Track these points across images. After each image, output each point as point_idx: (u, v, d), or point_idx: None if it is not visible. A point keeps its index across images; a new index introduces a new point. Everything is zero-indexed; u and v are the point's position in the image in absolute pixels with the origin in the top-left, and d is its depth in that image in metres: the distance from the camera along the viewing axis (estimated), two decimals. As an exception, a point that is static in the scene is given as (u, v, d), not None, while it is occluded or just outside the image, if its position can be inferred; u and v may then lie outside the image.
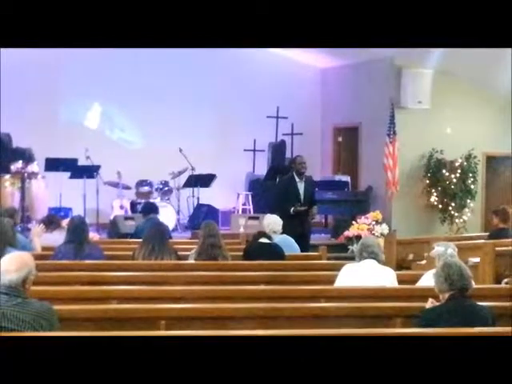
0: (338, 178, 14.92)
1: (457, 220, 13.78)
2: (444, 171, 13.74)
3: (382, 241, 9.74)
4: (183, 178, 13.84)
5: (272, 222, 8.28)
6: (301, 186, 10.20)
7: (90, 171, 12.82)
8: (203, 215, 12.89)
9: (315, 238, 12.97)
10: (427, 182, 13.86)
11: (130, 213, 12.83)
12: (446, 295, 4.76)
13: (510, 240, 8.58)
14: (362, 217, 11.82)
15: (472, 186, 13.88)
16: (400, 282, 6.33)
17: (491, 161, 14.38)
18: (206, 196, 13.83)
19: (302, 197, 10.14)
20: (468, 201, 13.82)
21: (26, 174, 12.40)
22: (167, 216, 12.37)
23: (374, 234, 10.95)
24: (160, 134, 14.54)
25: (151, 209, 9.84)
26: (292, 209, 9.83)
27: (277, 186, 12.22)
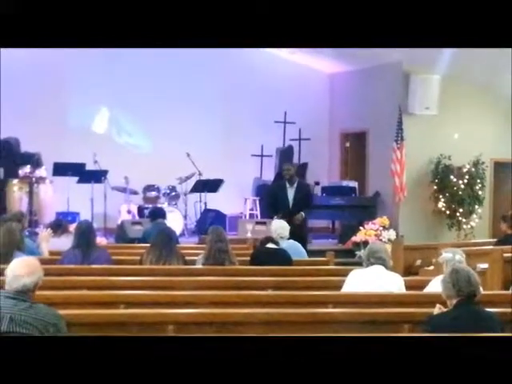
0: (345, 183, 14.90)
1: (464, 226, 13.74)
2: (452, 177, 13.71)
3: (389, 246, 9.70)
4: (190, 183, 13.84)
5: (279, 227, 8.27)
6: (290, 192, 10.36)
7: (97, 176, 12.83)
8: (210, 220, 12.88)
9: (322, 244, 13.00)
10: (435, 187, 13.82)
11: (137, 217, 12.83)
12: (454, 301, 4.74)
13: (518, 246, 8.55)
14: (370, 222, 11.81)
15: (480, 192, 13.84)
16: (407, 287, 6.32)
17: (499, 167, 14.35)
18: (214, 201, 13.83)
19: (290, 202, 10.25)
20: (476, 207, 13.78)
21: (33, 179, 12.46)
22: (174, 221, 12.37)
23: (381, 240, 10.94)
24: (167, 139, 14.55)
25: (158, 214, 9.86)
26: (275, 217, 9.89)
27: (268, 191, 12.33)
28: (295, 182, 10.46)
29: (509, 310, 5.39)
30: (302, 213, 10.21)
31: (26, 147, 13.20)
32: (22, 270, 4.20)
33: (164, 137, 14.63)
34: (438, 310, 4.90)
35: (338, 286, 6.33)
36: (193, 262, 7.44)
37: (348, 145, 15.63)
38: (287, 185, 10.44)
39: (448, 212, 13.73)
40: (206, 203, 13.79)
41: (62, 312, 4.40)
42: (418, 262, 9.90)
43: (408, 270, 9.65)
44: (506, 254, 8.18)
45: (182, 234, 12.95)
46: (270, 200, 10.79)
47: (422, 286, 6.41)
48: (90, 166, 12.93)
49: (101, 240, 9.09)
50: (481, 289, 4.89)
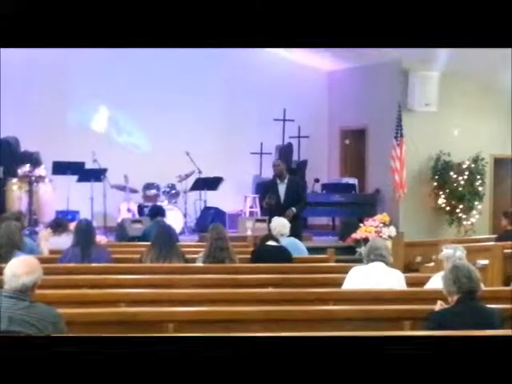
0: (345, 180, 14.91)
1: (464, 222, 13.73)
2: (452, 173, 13.70)
3: (389, 243, 9.70)
4: (190, 181, 13.84)
5: (279, 224, 8.27)
6: (281, 188, 10.41)
7: (97, 174, 12.82)
8: (210, 218, 12.88)
9: (323, 241, 12.97)
10: (435, 184, 13.82)
11: (137, 216, 12.84)
12: (455, 297, 4.74)
13: (518, 242, 8.54)
14: (370, 219, 11.80)
15: (480, 188, 13.84)
16: (408, 284, 6.31)
17: (499, 163, 14.34)
18: (213, 199, 13.83)
19: (281, 198, 10.27)
20: (476, 203, 13.78)
21: (33, 178, 12.47)
22: (174, 219, 12.36)
23: (381, 237, 10.93)
24: (167, 137, 14.54)
25: (158, 212, 9.85)
26: (264, 202, 9.96)
27: (260, 188, 12.39)
28: (285, 178, 10.51)
29: (509, 306, 5.39)
30: (293, 208, 10.20)
31: (25, 146, 13.20)
32: (21, 269, 4.18)
33: (163, 135, 14.61)
34: (439, 306, 4.89)
35: (339, 283, 6.32)
36: (193, 260, 7.43)
37: (347, 142, 15.62)
38: (278, 181, 10.51)
39: (448, 208, 13.73)
40: (205, 201, 13.79)
41: (61, 311, 4.39)
42: (419, 259, 9.91)
43: (408, 267, 9.65)
44: (506, 250, 8.19)
45: (182, 232, 12.95)
46: (261, 197, 10.92)
47: (422, 282, 6.41)
48: (89, 165, 12.91)
49: (101, 238, 9.07)
50: (482, 285, 4.89)
